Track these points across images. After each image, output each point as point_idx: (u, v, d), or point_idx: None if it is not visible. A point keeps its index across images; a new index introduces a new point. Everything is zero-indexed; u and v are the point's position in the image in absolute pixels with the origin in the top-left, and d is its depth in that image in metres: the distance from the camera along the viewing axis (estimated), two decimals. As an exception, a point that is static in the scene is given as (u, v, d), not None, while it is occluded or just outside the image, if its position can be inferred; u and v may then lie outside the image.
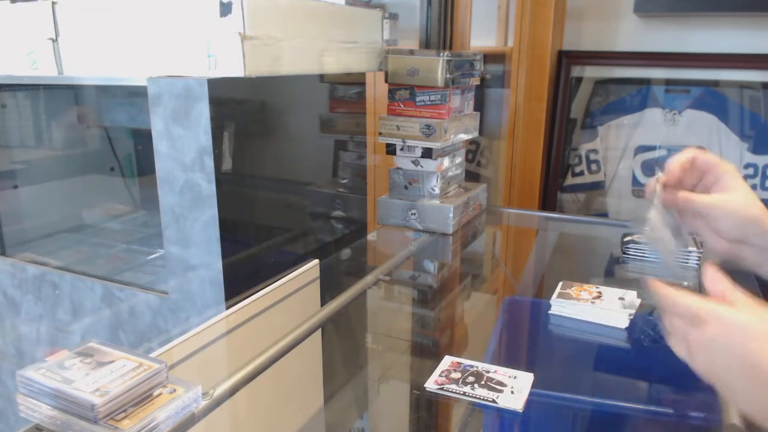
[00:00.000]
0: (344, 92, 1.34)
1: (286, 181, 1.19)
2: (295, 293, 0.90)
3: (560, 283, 1.01)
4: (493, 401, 0.70)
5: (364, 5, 1.10)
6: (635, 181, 1.85)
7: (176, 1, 0.80)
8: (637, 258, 1.16)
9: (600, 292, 0.98)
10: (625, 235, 1.21)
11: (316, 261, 0.98)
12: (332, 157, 1.35)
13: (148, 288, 1.06)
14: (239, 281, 0.95)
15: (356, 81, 1.37)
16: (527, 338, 1.04)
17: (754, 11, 1.64)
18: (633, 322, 0.91)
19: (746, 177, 1.72)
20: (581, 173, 1.91)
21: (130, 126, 1.47)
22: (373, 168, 1.43)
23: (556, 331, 0.95)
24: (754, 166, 1.71)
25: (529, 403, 0.70)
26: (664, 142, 1.81)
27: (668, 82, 1.81)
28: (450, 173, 1.27)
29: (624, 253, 1.17)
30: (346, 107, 1.34)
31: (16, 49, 0.95)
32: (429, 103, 1.17)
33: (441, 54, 1.13)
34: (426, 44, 1.33)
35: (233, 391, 0.64)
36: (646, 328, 0.94)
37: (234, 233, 0.97)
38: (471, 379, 0.75)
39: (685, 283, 0.57)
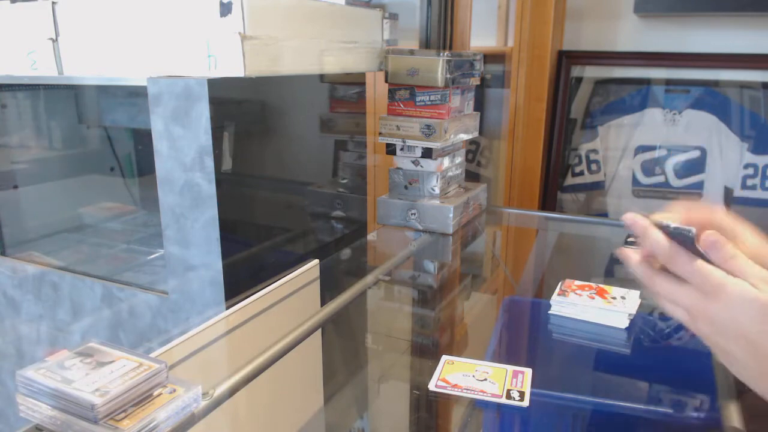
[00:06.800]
0: (344, 92, 1.34)
1: (286, 181, 1.19)
2: (295, 293, 0.90)
3: (560, 283, 1.01)
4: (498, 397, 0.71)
5: (364, 5, 1.10)
6: (635, 181, 1.85)
7: (176, 1, 0.80)
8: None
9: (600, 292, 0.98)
10: (629, 236, 1.20)
11: (316, 261, 0.98)
12: (332, 157, 1.35)
13: (148, 288, 1.06)
14: (239, 281, 0.95)
15: (356, 81, 1.37)
16: (527, 338, 1.04)
17: (754, 11, 1.63)
18: (633, 322, 0.91)
19: (746, 177, 1.72)
20: (581, 173, 1.90)
21: (130, 126, 1.47)
22: (373, 168, 1.43)
23: (556, 331, 0.95)
24: (754, 166, 1.71)
25: (529, 403, 0.70)
26: (664, 142, 1.81)
27: (668, 82, 1.81)
28: (450, 173, 1.27)
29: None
30: (346, 107, 1.34)
31: (16, 49, 0.95)
32: (429, 103, 1.17)
33: (441, 54, 1.13)
34: (426, 44, 1.33)
35: (233, 391, 0.64)
36: (646, 328, 0.94)
37: (234, 233, 0.97)
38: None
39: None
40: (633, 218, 0.56)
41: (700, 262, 0.50)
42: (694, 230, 0.51)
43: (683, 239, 0.51)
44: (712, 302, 0.50)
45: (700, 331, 0.52)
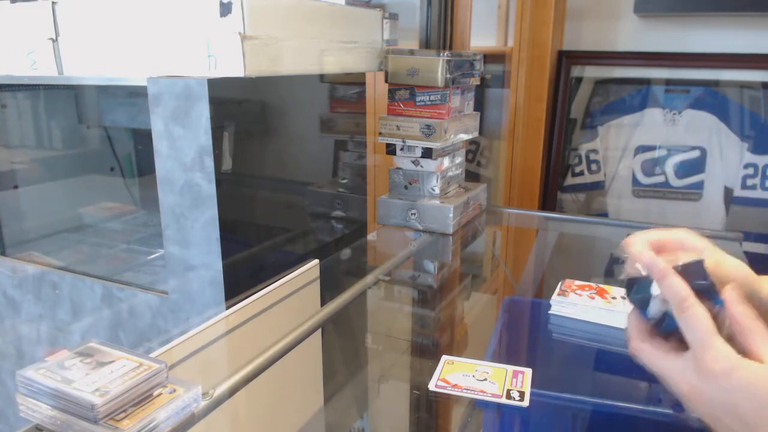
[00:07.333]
0: (344, 92, 1.34)
1: (286, 181, 1.19)
2: (295, 293, 0.90)
3: (560, 283, 1.01)
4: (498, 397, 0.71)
5: (364, 5, 1.10)
6: (635, 181, 1.85)
7: (176, 1, 0.80)
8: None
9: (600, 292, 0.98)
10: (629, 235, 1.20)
11: (316, 261, 0.99)
12: (332, 157, 1.35)
13: (148, 288, 1.06)
14: (239, 281, 0.95)
15: (356, 81, 1.37)
16: (527, 338, 1.04)
17: (754, 11, 1.64)
18: (633, 322, 0.91)
19: (746, 177, 1.72)
20: (581, 173, 1.91)
21: (130, 126, 1.47)
22: (373, 168, 1.43)
23: (556, 331, 0.95)
24: (754, 166, 1.71)
25: (529, 403, 0.70)
26: (664, 142, 1.81)
27: (668, 82, 1.81)
28: (450, 173, 1.27)
29: (624, 253, 1.17)
30: (346, 107, 1.34)
31: (16, 49, 0.95)
32: (429, 103, 1.17)
33: (441, 54, 1.13)
34: (426, 44, 1.33)
35: (233, 391, 0.64)
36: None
37: (234, 233, 0.97)
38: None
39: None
40: (651, 259, 0.50)
41: (719, 343, 0.45)
42: (704, 260, 0.48)
43: (697, 280, 0.48)
44: (711, 384, 0.45)
45: (695, 409, 0.47)
